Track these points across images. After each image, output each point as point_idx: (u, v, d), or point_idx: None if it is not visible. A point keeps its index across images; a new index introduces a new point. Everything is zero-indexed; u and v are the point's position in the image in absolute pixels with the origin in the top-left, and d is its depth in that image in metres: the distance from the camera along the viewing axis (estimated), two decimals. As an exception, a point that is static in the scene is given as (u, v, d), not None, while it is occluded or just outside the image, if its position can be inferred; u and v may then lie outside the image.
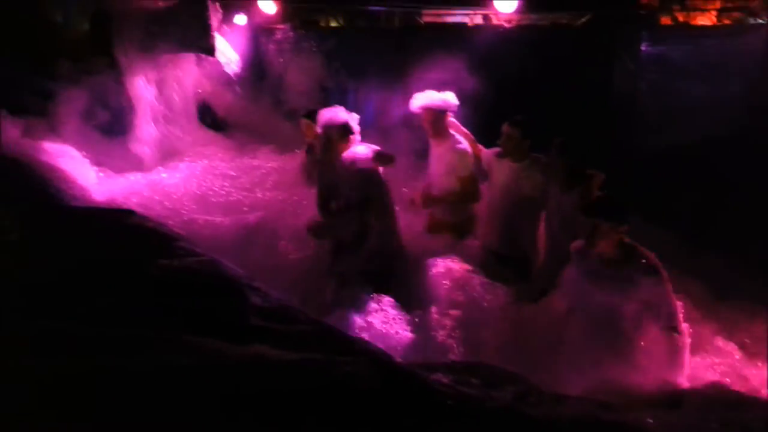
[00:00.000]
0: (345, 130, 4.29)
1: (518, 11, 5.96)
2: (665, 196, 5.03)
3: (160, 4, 6.13)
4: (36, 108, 5.43)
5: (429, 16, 15.04)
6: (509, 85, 5.49)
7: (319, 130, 4.39)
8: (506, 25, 5.98)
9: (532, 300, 3.82)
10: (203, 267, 1.90)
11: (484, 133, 4.69)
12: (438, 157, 4.57)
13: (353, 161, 4.13)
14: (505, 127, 4.29)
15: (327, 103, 7.14)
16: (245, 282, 1.93)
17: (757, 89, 4.75)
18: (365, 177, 4.09)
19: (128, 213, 2.18)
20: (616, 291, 3.19)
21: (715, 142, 4.91)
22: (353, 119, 4.38)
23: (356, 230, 4.05)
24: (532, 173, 4.24)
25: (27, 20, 8.69)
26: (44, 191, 3.03)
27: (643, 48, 5.24)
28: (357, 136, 4.36)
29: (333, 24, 14.54)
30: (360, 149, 4.25)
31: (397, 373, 1.32)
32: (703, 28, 5.65)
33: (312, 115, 4.71)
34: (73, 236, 2.07)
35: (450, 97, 4.53)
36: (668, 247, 4.53)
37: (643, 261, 3.15)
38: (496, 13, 6.12)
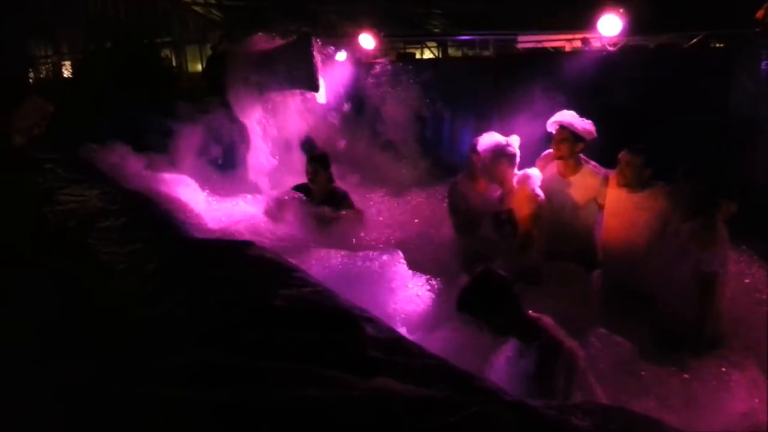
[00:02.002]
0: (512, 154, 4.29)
1: (623, 34, 5.77)
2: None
3: (268, 45, 6.47)
4: (157, 145, 5.87)
5: (524, 42, 14.96)
6: (614, 112, 5.29)
7: (482, 154, 4.39)
8: (610, 48, 5.80)
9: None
10: (320, 298, 1.95)
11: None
12: (571, 183, 4.40)
13: (526, 180, 4.16)
14: (624, 155, 4.09)
15: (423, 134, 7.34)
16: (360, 313, 1.96)
17: None
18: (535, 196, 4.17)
19: (248, 244, 2.28)
20: None
21: None
22: (515, 142, 4.38)
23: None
24: (654, 203, 4.02)
25: (149, 66, 9.57)
26: (167, 221, 3.22)
27: (763, 66, 4.89)
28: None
29: (429, 55, 14.80)
30: (531, 170, 4.34)
31: (532, 416, 1.28)
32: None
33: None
34: (202, 268, 2.19)
35: (591, 126, 4.36)
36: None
37: None
38: (600, 37, 5.95)
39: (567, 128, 4.27)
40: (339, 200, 5.06)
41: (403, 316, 3.75)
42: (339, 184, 6.24)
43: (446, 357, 3.35)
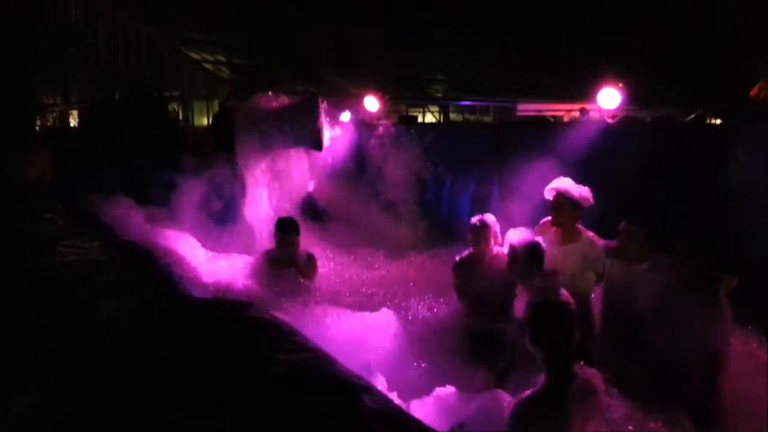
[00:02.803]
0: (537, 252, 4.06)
1: (623, 107, 5.91)
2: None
3: (275, 104, 6.61)
4: (160, 198, 5.91)
5: (524, 110, 15.33)
6: (612, 183, 5.36)
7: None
8: (609, 120, 5.94)
9: None
10: (319, 364, 1.91)
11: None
12: (567, 252, 4.34)
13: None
14: (624, 226, 4.09)
15: (424, 196, 7.41)
16: (358, 382, 1.91)
17: None
18: None
19: (247, 305, 2.25)
20: None
21: None
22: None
23: None
24: (654, 276, 3.99)
25: (156, 118, 9.75)
26: (166, 278, 3.20)
27: (760, 142, 4.99)
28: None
29: (431, 119, 15.12)
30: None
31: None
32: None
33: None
34: (199, 330, 2.15)
35: (587, 193, 4.37)
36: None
37: None
38: (598, 108, 6.10)
39: (564, 195, 4.29)
40: (304, 266, 5.03)
41: (395, 379, 3.69)
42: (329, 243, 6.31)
43: (438, 422, 3.30)
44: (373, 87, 8.93)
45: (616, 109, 6.05)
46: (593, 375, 2.75)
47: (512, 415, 2.60)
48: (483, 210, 6.77)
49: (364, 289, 5.79)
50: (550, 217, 4.45)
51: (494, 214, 6.55)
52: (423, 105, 14.80)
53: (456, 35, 18.23)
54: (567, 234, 4.34)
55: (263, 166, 6.39)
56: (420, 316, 4.98)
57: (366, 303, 5.26)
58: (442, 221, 7.26)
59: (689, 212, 4.94)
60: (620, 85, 5.60)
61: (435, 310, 5.08)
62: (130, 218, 5.30)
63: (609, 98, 5.65)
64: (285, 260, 4.95)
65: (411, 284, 6.01)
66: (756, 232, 4.97)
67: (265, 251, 5.15)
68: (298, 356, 1.92)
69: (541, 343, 2.64)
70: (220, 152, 6.58)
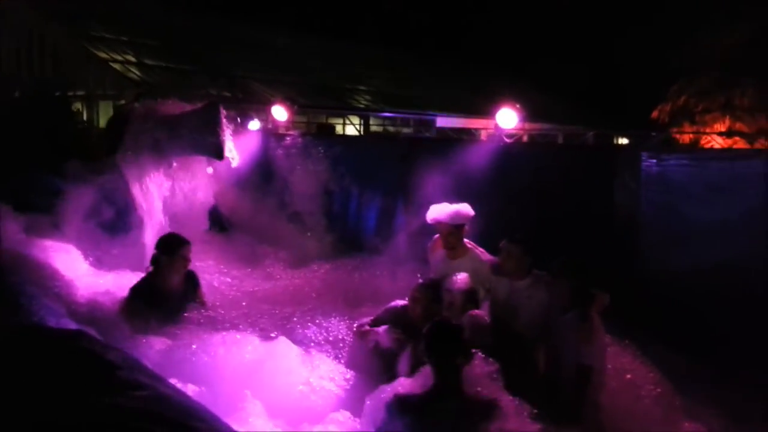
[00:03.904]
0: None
1: (526, 125, 6.06)
2: (672, 320, 4.84)
3: (175, 109, 6.36)
4: (41, 205, 5.52)
5: (443, 124, 15.62)
6: (507, 201, 5.49)
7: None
8: (506, 139, 6.09)
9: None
10: (142, 405, 1.77)
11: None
12: (456, 267, 4.41)
13: None
14: (504, 244, 4.20)
15: (331, 208, 7.34)
16: (200, 425, 1.78)
17: (759, 216, 4.67)
18: None
19: (76, 334, 2.07)
20: None
21: (722, 266, 4.78)
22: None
23: None
24: (534, 292, 4.12)
25: (57, 119, 9.20)
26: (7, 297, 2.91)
27: (644, 167, 5.24)
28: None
29: (351, 129, 15.16)
30: None
31: None
32: (706, 150, 5.67)
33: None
34: (15, 357, 1.94)
35: (465, 209, 4.48)
36: (680, 373, 4.38)
37: None
38: (497, 127, 6.24)
39: (442, 223, 4.39)
40: (192, 289, 4.65)
41: (289, 407, 3.57)
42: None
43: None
44: (286, 95, 8.82)
45: (523, 127, 6.22)
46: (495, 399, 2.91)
47: (389, 405, 2.85)
48: (388, 222, 6.86)
49: (265, 305, 5.62)
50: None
51: (398, 227, 6.65)
52: (344, 115, 14.80)
53: (379, 47, 18.51)
54: (455, 251, 4.42)
55: (158, 173, 6.09)
56: (327, 332, 4.87)
57: (268, 318, 5.11)
58: (348, 233, 7.21)
59: (573, 232, 5.09)
60: (517, 105, 5.74)
61: (341, 324, 4.98)
62: (5, 227, 4.92)
63: (506, 118, 5.79)
64: (170, 288, 4.42)
65: (314, 295, 5.93)
66: (640, 255, 5.21)
67: (140, 285, 4.41)
68: (122, 396, 1.77)
69: (430, 358, 2.93)
70: (113, 157, 6.23)
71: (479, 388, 3.08)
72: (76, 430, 1.59)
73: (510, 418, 2.90)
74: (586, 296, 3.73)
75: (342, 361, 4.19)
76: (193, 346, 3.66)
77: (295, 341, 4.23)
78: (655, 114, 14.12)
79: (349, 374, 3.81)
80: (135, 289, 4.38)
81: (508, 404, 3.05)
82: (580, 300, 3.72)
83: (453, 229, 4.42)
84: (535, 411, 3.10)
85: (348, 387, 3.68)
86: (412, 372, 3.40)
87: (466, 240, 4.52)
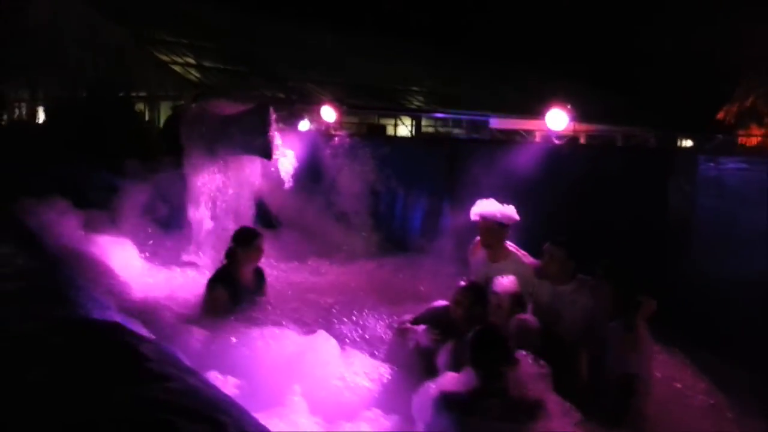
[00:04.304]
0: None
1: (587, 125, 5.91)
2: (724, 327, 4.63)
3: (228, 110, 6.53)
4: (100, 201, 5.79)
5: (496, 124, 15.43)
6: (555, 203, 5.37)
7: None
8: (556, 141, 5.96)
9: None
10: (169, 397, 1.82)
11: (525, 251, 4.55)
12: (497, 270, 4.37)
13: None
14: (547, 247, 4.12)
15: (377, 208, 7.38)
16: (218, 416, 1.82)
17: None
18: None
19: (112, 327, 2.16)
20: None
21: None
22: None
23: None
24: (578, 297, 4.02)
25: (121, 118, 9.63)
26: (56, 290, 3.07)
27: (700, 170, 5.03)
28: None
29: (403, 129, 15.17)
30: None
31: None
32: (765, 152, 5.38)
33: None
34: (50, 348, 2.04)
35: (511, 211, 4.44)
36: (735, 382, 4.19)
37: None
38: (548, 130, 6.11)
39: (487, 218, 4.32)
40: (259, 282, 4.85)
41: (327, 402, 3.61)
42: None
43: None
44: (336, 96, 8.92)
45: (578, 128, 6.07)
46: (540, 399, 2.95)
47: (435, 401, 2.94)
48: (435, 223, 6.83)
49: (310, 296, 5.69)
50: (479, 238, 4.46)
51: (444, 228, 6.61)
52: (395, 116, 14.83)
53: (431, 46, 18.38)
54: (496, 253, 4.36)
55: (212, 172, 6.27)
56: (365, 329, 4.89)
57: (310, 310, 5.17)
58: (394, 233, 7.23)
59: (624, 236, 4.94)
60: (567, 106, 5.60)
61: (380, 321, 4.99)
62: (64, 222, 5.18)
63: (556, 119, 5.66)
64: (245, 280, 4.60)
65: (358, 292, 5.95)
66: (693, 261, 5.00)
67: (219, 276, 4.56)
68: (151, 387, 1.83)
69: (477, 365, 2.98)
70: (168, 156, 6.47)
71: (526, 389, 3.08)
72: (99, 422, 1.66)
73: (554, 419, 2.92)
74: (631, 303, 3.61)
75: (378, 358, 4.21)
76: (233, 339, 3.75)
77: (333, 336, 4.29)
78: (721, 115, 13.48)
79: (385, 371, 3.81)
80: (215, 281, 4.53)
81: (554, 405, 3.03)
82: (625, 307, 3.61)
83: (495, 227, 4.35)
84: (580, 415, 3.05)
85: (383, 384, 3.69)
86: (452, 368, 3.39)
87: (508, 243, 4.46)
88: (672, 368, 4.14)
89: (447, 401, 2.88)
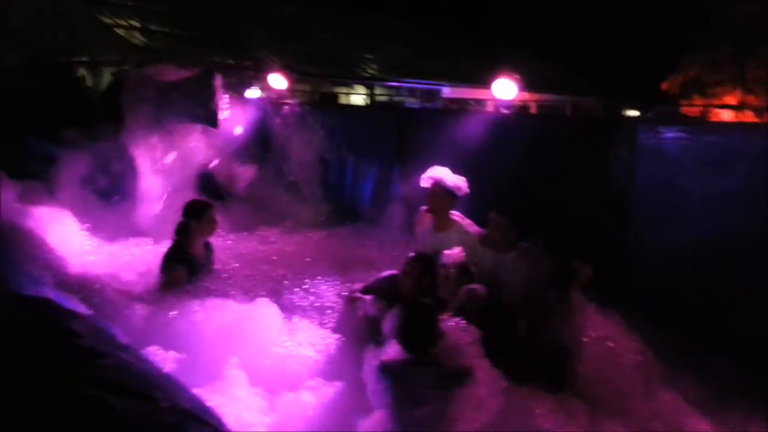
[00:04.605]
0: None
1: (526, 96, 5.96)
2: (663, 292, 4.83)
3: (171, 76, 6.33)
4: (37, 172, 5.56)
5: (449, 93, 15.43)
6: (500, 172, 5.45)
7: None
8: (504, 111, 6.01)
9: None
10: (100, 373, 1.80)
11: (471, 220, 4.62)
12: (443, 239, 4.44)
13: None
14: (492, 215, 4.21)
15: (327, 176, 7.33)
16: (148, 391, 1.81)
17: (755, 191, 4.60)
18: None
19: (40, 302, 2.11)
20: None
21: (714, 241, 4.74)
22: None
23: None
24: (519, 265, 4.12)
25: (62, 84, 9.18)
26: (14, 264, 2.99)
27: (640, 139, 5.16)
28: None
29: (357, 98, 15.00)
30: None
31: None
32: (703, 123, 5.57)
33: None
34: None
35: (462, 182, 4.49)
36: (668, 343, 4.41)
37: None
38: (495, 99, 6.15)
39: (438, 183, 4.37)
40: (208, 255, 4.80)
41: (268, 373, 3.62)
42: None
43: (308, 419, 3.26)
44: (286, 63, 8.73)
45: (529, 98, 6.12)
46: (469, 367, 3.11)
47: (376, 369, 3.11)
48: (385, 193, 6.85)
49: (262, 266, 5.64)
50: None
51: (395, 198, 6.64)
52: (348, 84, 14.63)
53: (387, 15, 18.15)
54: (441, 222, 4.43)
55: (155, 140, 6.10)
56: (316, 298, 4.89)
57: (261, 281, 5.13)
58: (344, 203, 7.21)
59: (566, 204, 5.06)
60: (515, 75, 5.63)
61: (331, 290, 4.99)
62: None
63: (504, 88, 5.69)
64: (197, 253, 4.54)
65: (307, 260, 5.93)
66: (633, 228, 5.17)
67: (174, 251, 4.48)
68: (74, 365, 1.80)
69: (404, 342, 3.12)
70: (109, 124, 6.24)
71: (457, 356, 3.19)
72: (26, 399, 1.62)
73: (482, 385, 3.07)
74: (567, 273, 3.72)
75: (328, 327, 4.24)
76: (175, 313, 3.71)
77: (283, 305, 4.31)
78: (665, 86, 13.80)
79: (332, 340, 3.85)
80: (171, 261, 4.43)
81: (483, 373, 3.16)
82: (561, 276, 3.72)
83: (444, 194, 4.40)
84: (507, 383, 3.18)
85: (328, 353, 3.73)
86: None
87: (454, 213, 4.51)
88: (606, 329, 4.29)
89: (384, 369, 3.04)
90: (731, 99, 12.18)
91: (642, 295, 4.76)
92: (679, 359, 4.37)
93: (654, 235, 5.04)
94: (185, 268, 4.38)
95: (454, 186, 4.38)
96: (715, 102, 12.20)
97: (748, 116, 9.40)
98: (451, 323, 3.46)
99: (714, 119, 11.00)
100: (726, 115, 11.29)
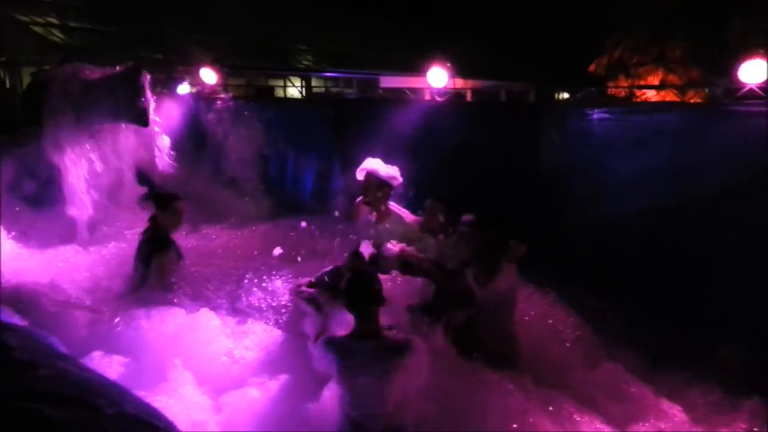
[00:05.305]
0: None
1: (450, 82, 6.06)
2: (593, 267, 5.05)
3: (96, 75, 6.08)
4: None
5: (386, 82, 15.46)
6: (436, 160, 5.55)
7: None
8: (438, 99, 6.10)
9: None
10: (36, 385, 1.74)
11: (409, 208, 4.69)
12: (382, 230, 4.47)
13: None
14: (429, 202, 4.29)
15: (266, 171, 7.24)
16: (90, 399, 1.76)
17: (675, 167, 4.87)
18: None
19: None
20: None
21: (641, 216, 4.99)
22: None
23: None
24: (459, 249, 4.20)
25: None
26: None
27: (569, 122, 5.36)
28: None
29: (293, 90, 14.80)
30: None
31: None
32: (630, 103, 5.82)
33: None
34: None
35: (395, 172, 4.54)
36: (604, 316, 4.62)
37: None
38: (430, 87, 6.23)
39: (371, 175, 4.41)
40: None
41: (214, 374, 3.59)
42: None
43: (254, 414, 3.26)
44: (217, 57, 8.53)
45: (462, 85, 6.20)
46: (408, 338, 3.26)
47: (321, 343, 3.25)
48: (326, 184, 6.84)
49: (216, 261, 5.54)
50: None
51: (336, 189, 6.63)
52: (283, 76, 14.43)
53: (317, 6, 17.98)
54: (379, 212, 4.46)
55: (80, 142, 5.85)
56: (265, 290, 4.84)
57: (212, 273, 5.06)
58: (286, 197, 7.16)
59: (501, 188, 5.21)
60: (447, 63, 5.73)
61: (279, 280, 4.94)
62: None
63: (437, 76, 5.78)
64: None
65: (255, 252, 5.86)
66: (566, 208, 5.37)
67: (156, 247, 4.50)
68: (8, 379, 1.73)
69: (351, 307, 3.24)
70: (32, 127, 5.94)
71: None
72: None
73: (420, 353, 3.22)
74: (500, 248, 3.82)
75: (273, 322, 4.24)
76: (117, 320, 3.62)
77: (228, 302, 4.29)
78: (592, 68, 14.31)
79: (278, 336, 3.84)
80: (159, 249, 4.46)
81: (420, 343, 3.27)
82: (494, 252, 3.83)
83: (380, 186, 4.44)
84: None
85: (275, 350, 3.72)
86: (316, 337, 3.55)
87: (390, 203, 4.56)
88: (545, 307, 4.48)
89: (329, 343, 3.21)
90: (654, 79, 12.76)
91: (576, 271, 4.97)
92: (617, 330, 4.61)
93: (585, 213, 5.26)
94: (173, 252, 4.52)
95: (387, 177, 4.43)
96: (639, 82, 12.74)
97: (670, 95, 9.88)
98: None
99: (639, 99, 11.50)
100: (650, 95, 11.81)
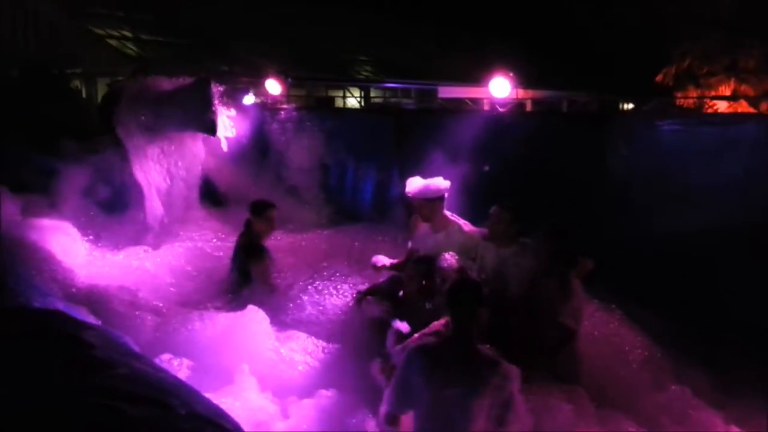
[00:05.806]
0: None
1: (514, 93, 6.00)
2: (661, 283, 4.86)
3: (167, 85, 6.34)
4: (37, 185, 5.58)
5: (445, 93, 15.42)
6: (501, 170, 5.49)
7: None
8: (500, 109, 6.04)
9: None
10: (113, 383, 1.81)
11: (472, 218, 4.64)
12: (439, 240, 4.46)
13: None
14: (494, 210, 4.23)
15: (327, 181, 7.35)
16: (164, 398, 1.82)
17: (750, 180, 4.64)
18: None
19: (50, 315, 2.12)
20: None
21: (712, 231, 4.77)
22: None
23: None
24: (521, 259, 4.15)
25: (56, 97, 9.19)
26: (11, 273, 3.00)
27: (636, 133, 5.20)
28: None
29: (352, 101, 14.99)
30: None
31: None
32: (702, 114, 5.61)
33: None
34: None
35: (439, 182, 4.50)
36: (673, 335, 4.43)
37: None
38: (490, 97, 6.18)
39: (416, 197, 4.40)
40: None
41: (267, 379, 3.64)
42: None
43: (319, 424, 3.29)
44: (281, 68, 8.75)
45: (523, 96, 6.14)
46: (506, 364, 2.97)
47: (409, 350, 3.03)
48: (385, 194, 6.87)
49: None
50: None
51: (395, 199, 6.65)
52: (343, 87, 14.65)
53: (376, 17, 18.16)
54: (437, 224, 4.44)
55: (153, 150, 6.11)
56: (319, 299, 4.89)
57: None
58: (345, 206, 7.23)
59: (565, 200, 5.09)
60: (510, 74, 5.67)
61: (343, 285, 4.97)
62: (2, 209, 4.98)
63: (500, 87, 5.73)
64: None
65: (322, 257, 5.90)
66: (632, 222, 5.20)
67: (255, 248, 4.77)
68: (87, 376, 1.81)
69: (452, 308, 3.04)
70: (106, 136, 6.25)
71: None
72: (41, 412, 1.64)
73: (513, 379, 2.93)
74: (567, 261, 3.74)
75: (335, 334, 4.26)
76: (184, 322, 3.74)
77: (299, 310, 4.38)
78: (659, 78, 13.84)
79: (334, 347, 3.87)
80: (259, 250, 4.77)
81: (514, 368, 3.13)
82: (561, 264, 3.75)
83: (425, 203, 4.42)
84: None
85: (331, 361, 3.74)
86: (396, 345, 3.50)
87: (447, 212, 4.53)
88: (610, 326, 4.34)
89: (419, 349, 3.01)
90: (725, 89, 12.24)
91: (643, 288, 4.79)
92: (687, 350, 4.40)
93: (652, 227, 5.08)
94: (269, 258, 4.82)
95: (433, 191, 4.39)
96: (710, 93, 12.25)
97: (743, 106, 9.44)
98: None
99: (710, 110, 11.04)
100: (721, 106, 11.33)
